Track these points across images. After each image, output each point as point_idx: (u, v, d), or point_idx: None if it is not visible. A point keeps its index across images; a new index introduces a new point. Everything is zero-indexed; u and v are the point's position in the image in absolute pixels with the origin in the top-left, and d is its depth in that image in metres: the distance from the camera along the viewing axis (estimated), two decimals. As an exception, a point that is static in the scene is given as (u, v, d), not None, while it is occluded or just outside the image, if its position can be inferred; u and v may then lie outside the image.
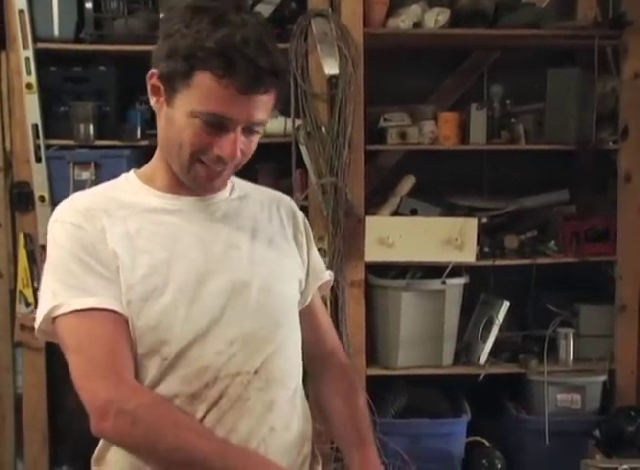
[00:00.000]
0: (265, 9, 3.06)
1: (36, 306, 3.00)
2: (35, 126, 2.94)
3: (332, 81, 2.92)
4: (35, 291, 2.98)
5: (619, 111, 3.09)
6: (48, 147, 2.98)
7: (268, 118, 1.30)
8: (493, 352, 3.11)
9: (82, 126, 2.97)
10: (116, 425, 1.18)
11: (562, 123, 3.06)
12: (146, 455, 1.22)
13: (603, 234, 3.16)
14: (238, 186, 1.46)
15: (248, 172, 3.50)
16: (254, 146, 1.32)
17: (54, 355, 3.20)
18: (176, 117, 1.26)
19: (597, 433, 2.98)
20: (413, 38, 3.08)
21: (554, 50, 3.30)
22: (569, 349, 3.13)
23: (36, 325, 1.29)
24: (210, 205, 1.38)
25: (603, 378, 3.12)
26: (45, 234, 3.02)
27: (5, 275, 3.00)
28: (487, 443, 3.06)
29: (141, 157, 3.15)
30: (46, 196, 2.98)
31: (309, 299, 1.49)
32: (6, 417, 3.07)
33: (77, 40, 2.98)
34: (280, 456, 1.32)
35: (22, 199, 2.96)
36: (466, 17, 3.02)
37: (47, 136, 2.97)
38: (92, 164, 2.98)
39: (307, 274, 1.47)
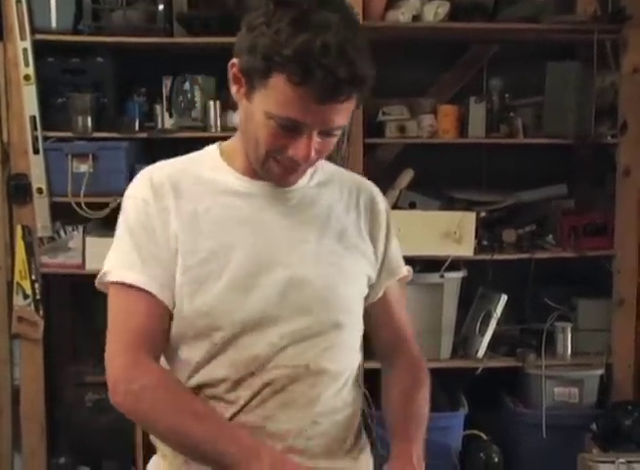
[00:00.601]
0: (264, 1, 3.06)
1: (34, 299, 3.03)
2: (33, 118, 2.93)
3: (330, 74, 2.91)
4: (33, 283, 2.98)
5: (618, 105, 3.08)
6: (46, 139, 2.97)
7: (348, 120, 1.26)
8: (491, 346, 3.11)
9: (80, 118, 2.96)
10: (124, 401, 1.23)
11: (561, 117, 3.05)
12: (150, 432, 1.29)
13: (601, 228, 3.16)
14: (321, 170, 1.41)
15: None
16: (332, 145, 1.29)
17: (51, 347, 3.20)
18: (254, 113, 1.23)
19: (594, 427, 2.98)
20: (412, 31, 3.07)
21: (553, 44, 3.29)
22: (566, 343, 3.14)
23: (96, 280, 1.34)
24: (285, 192, 1.34)
25: (600, 372, 3.12)
26: (42, 227, 3.06)
27: (2, 267, 3.00)
28: (485, 436, 3.06)
29: (139, 149, 3.15)
30: (44, 188, 2.97)
31: (380, 293, 1.45)
32: (4, 409, 3.07)
33: (75, 31, 2.97)
34: (320, 447, 1.32)
35: (19, 191, 2.95)
36: (465, 10, 3.01)
37: (45, 128, 2.96)
38: (90, 156, 2.97)
39: (380, 269, 1.43)
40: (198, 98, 3.10)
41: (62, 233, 3.06)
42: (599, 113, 3.06)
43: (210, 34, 2.99)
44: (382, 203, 1.45)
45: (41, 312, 3.00)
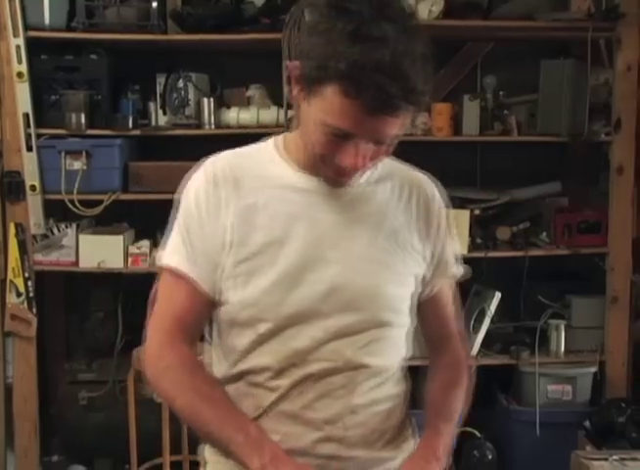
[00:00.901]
0: (258, -2, 3.06)
1: (27, 296, 3.02)
2: (26, 115, 2.92)
3: (325, 72, 2.91)
4: (26, 280, 2.98)
5: (612, 103, 3.09)
6: (39, 136, 2.97)
7: (402, 131, 1.25)
8: (485, 344, 3.11)
9: (74, 116, 2.95)
10: (151, 376, 1.32)
11: (555, 115, 3.06)
12: (170, 408, 1.35)
13: (595, 226, 3.16)
14: (382, 165, 1.39)
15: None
16: (388, 152, 1.29)
17: (45, 345, 3.19)
18: (310, 116, 1.25)
19: (587, 424, 2.99)
20: (406, 29, 3.07)
21: (547, 42, 3.30)
22: (560, 340, 3.15)
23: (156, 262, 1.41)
24: (341, 189, 1.35)
25: (594, 369, 3.13)
26: (36, 224, 3.05)
27: (-5, 265, 2.99)
28: (478, 434, 3.07)
29: (133, 146, 3.14)
30: (37, 185, 2.96)
31: (433, 291, 1.45)
32: (-4, 407, 3.07)
33: (69, 29, 2.96)
34: (358, 437, 1.34)
35: (12, 188, 2.95)
36: (460, 8, 3.01)
37: (38, 125, 2.96)
38: (83, 153, 2.97)
39: (434, 269, 1.43)
40: (191, 95, 3.09)
41: (55, 230, 3.05)
42: (593, 110, 3.07)
43: (204, 32, 2.98)
44: (438, 202, 1.44)
45: (34, 310, 2.99)
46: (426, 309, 1.47)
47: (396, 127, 1.22)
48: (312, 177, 1.34)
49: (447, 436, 1.39)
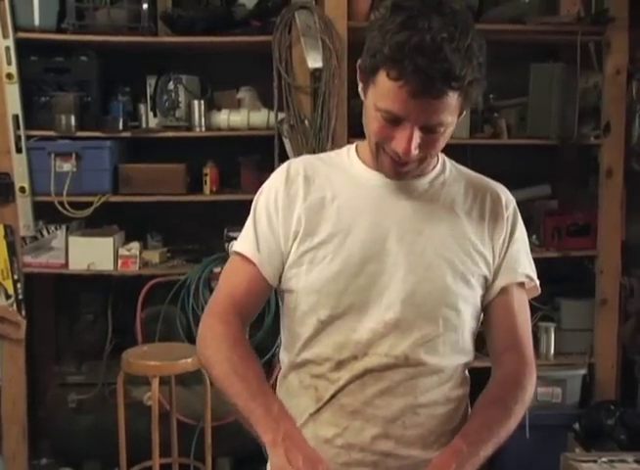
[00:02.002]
0: (249, 0, 3.05)
1: (16, 299, 3.01)
2: (16, 117, 2.91)
3: (315, 74, 2.92)
4: (15, 283, 2.96)
5: (602, 106, 3.11)
6: (29, 138, 2.96)
7: (453, 118, 1.31)
8: (475, 346, 3.11)
9: (63, 117, 2.95)
10: (199, 342, 1.40)
11: (544, 118, 3.07)
12: (209, 375, 1.40)
13: (584, 229, 3.18)
14: (449, 170, 1.47)
15: (230, 165, 3.48)
16: (441, 143, 1.34)
17: (34, 348, 3.18)
18: (368, 107, 1.33)
19: (577, 426, 3.00)
20: (397, 32, 3.07)
21: (537, 45, 3.31)
22: (549, 343, 3.15)
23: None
24: (409, 186, 1.41)
25: (583, 372, 3.14)
26: (25, 226, 3.04)
27: (-16, 267, 2.97)
28: (468, 436, 3.06)
29: (123, 148, 3.14)
30: (26, 187, 2.95)
31: (495, 294, 1.43)
32: (-15, 410, 3.05)
33: (59, 30, 2.96)
34: (416, 437, 1.35)
35: (1, 190, 2.94)
36: (450, 11, 3.02)
37: (27, 127, 2.95)
38: (73, 155, 2.96)
39: (497, 271, 1.43)
40: (182, 97, 3.09)
41: (44, 232, 3.04)
42: (582, 114, 3.08)
43: (195, 34, 2.98)
44: (507, 208, 1.46)
45: (23, 312, 2.98)
46: (491, 315, 1.46)
47: (443, 113, 1.27)
48: (380, 174, 1.40)
49: (476, 443, 1.29)
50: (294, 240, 1.39)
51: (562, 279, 3.30)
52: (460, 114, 1.33)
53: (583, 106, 3.10)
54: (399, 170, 1.36)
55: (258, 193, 1.46)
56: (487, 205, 1.44)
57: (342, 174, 1.43)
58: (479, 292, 1.42)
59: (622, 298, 3.17)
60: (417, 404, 1.36)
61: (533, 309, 3.14)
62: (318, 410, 1.37)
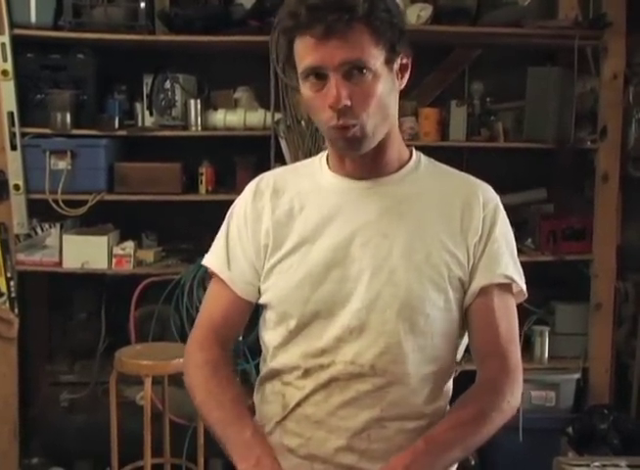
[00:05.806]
0: (247, 0, 3.05)
1: (9, 297, 2.99)
2: (11, 114, 2.90)
3: (313, 75, 2.91)
4: (8, 280, 2.95)
5: (598, 110, 3.11)
6: (24, 135, 2.95)
7: (375, 62, 1.25)
8: (469, 349, 3.11)
9: (59, 115, 2.93)
10: (184, 372, 1.41)
11: (541, 122, 3.07)
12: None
13: (580, 233, 3.18)
14: (424, 167, 1.41)
15: (226, 165, 3.46)
16: (372, 90, 1.25)
17: (26, 346, 3.16)
18: (303, 93, 1.30)
19: (570, 430, 3.00)
20: (395, 34, 3.07)
21: (534, 49, 3.31)
22: (544, 346, 3.15)
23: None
24: (378, 186, 1.36)
25: (577, 376, 3.14)
26: (19, 224, 3.02)
27: (-23, 264, 2.96)
28: (461, 439, 3.06)
29: (119, 147, 3.13)
30: (21, 185, 2.94)
31: (472, 296, 1.36)
32: (-24, 408, 3.03)
33: (55, 27, 2.95)
34: (382, 452, 1.29)
35: (-5, 187, 2.93)
36: (448, 13, 3.02)
37: (23, 124, 2.94)
38: (68, 153, 2.95)
39: (472, 272, 1.35)
40: (178, 96, 3.08)
41: (38, 230, 3.03)
42: (579, 118, 3.08)
43: (192, 33, 2.97)
44: (484, 207, 1.38)
45: (16, 311, 2.97)
46: (470, 320, 1.38)
47: (355, 50, 1.22)
48: (347, 179, 1.38)
49: (424, 455, 1.21)
50: (265, 253, 1.39)
51: (556, 283, 3.30)
52: (388, 62, 1.27)
53: (580, 110, 3.10)
54: (348, 136, 1.27)
55: (231, 207, 1.46)
56: (462, 203, 1.37)
57: (311, 183, 1.41)
58: (452, 295, 1.34)
59: (617, 302, 3.18)
60: (384, 417, 1.30)
61: (528, 313, 3.18)
62: (284, 418, 1.36)
